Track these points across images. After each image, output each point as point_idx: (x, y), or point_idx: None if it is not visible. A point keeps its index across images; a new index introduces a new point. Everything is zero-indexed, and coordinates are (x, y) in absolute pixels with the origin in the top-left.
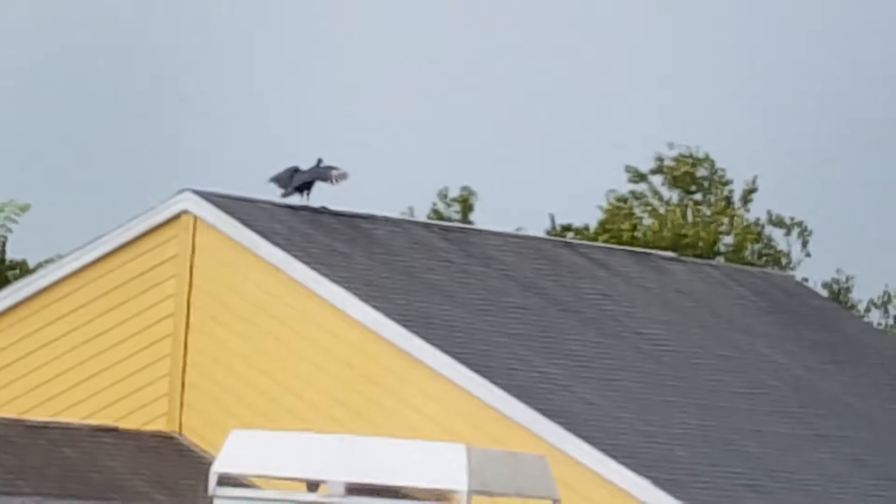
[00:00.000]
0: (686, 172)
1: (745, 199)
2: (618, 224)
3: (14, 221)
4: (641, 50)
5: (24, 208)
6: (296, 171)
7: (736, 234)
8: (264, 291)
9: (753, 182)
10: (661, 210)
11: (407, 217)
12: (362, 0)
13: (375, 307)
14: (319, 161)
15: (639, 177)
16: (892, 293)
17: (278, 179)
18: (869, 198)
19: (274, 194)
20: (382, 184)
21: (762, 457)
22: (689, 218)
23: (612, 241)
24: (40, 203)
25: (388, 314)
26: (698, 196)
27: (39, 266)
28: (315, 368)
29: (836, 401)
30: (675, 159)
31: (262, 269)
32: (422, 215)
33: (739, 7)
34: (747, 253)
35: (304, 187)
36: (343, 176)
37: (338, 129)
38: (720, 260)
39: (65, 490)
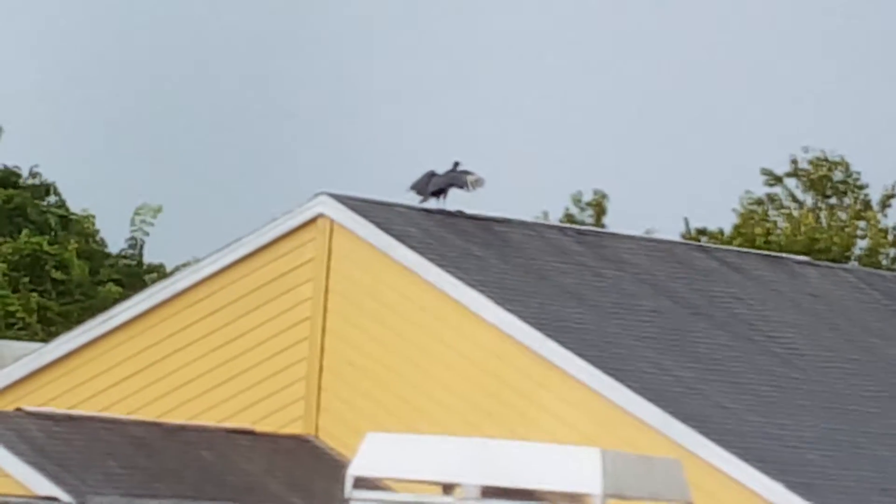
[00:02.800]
0: (823, 176)
1: (884, 204)
2: (751, 228)
3: (150, 224)
4: (777, 52)
5: (157, 210)
6: (432, 175)
7: (870, 239)
8: (400, 294)
9: (893, 188)
10: (796, 214)
11: (541, 221)
12: (499, 6)
13: (510, 310)
14: (456, 164)
15: (775, 179)
16: None
17: (416, 186)
18: None
19: (410, 198)
20: (517, 188)
21: (893, 461)
22: (824, 222)
23: (746, 244)
24: (173, 206)
25: (523, 317)
26: (832, 200)
27: (176, 269)
28: (450, 371)
29: None
30: (811, 163)
31: (398, 273)
32: (556, 219)
33: (876, 9)
34: (881, 258)
35: (440, 192)
36: (479, 182)
37: (473, 132)
38: (854, 264)
39: (201, 492)
